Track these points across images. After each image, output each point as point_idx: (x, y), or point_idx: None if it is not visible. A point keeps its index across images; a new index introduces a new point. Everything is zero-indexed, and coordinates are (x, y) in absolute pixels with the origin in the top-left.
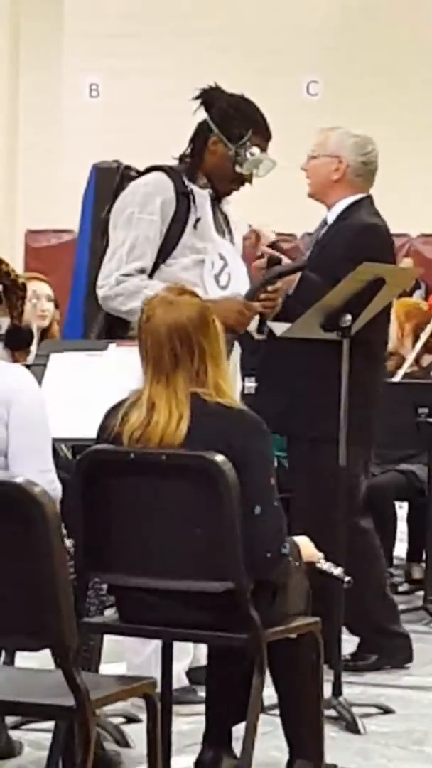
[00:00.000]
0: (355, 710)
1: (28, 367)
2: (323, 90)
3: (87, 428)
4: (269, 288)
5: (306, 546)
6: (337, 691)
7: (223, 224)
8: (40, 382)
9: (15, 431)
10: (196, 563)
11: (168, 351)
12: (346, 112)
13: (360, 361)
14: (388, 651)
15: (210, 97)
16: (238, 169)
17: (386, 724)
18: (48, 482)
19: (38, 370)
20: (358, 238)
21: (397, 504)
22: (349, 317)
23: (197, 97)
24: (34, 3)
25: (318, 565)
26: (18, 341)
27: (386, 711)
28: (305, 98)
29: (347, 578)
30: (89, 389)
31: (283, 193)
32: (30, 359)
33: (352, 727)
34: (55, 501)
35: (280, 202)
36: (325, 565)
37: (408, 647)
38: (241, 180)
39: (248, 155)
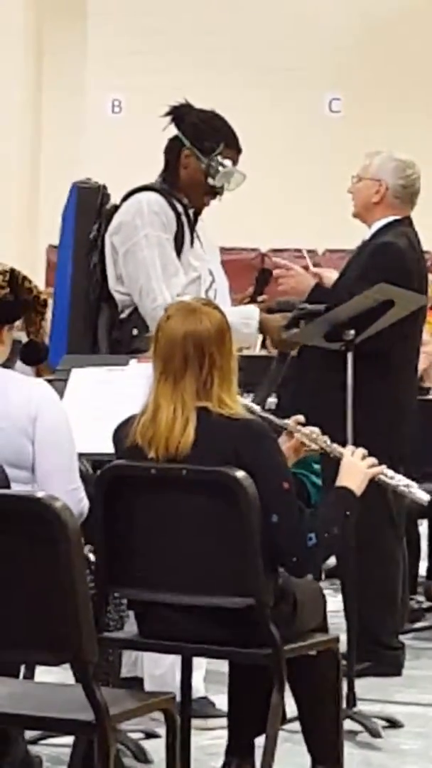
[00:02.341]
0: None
1: (49, 381)
2: (346, 107)
3: (107, 443)
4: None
5: (353, 465)
6: (351, 702)
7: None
8: (61, 397)
9: (42, 452)
10: (217, 578)
11: (180, 353)
12: (368, 129)
13: (374, 373)
14: (382, 661)
15: (180, 113)
16: (210, 181)
17: (404, 741)
18: (77, 501)
19: (59, 384)
20: (371, 257)
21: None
22: (353, 331)
23: (167, 114)
24: (57, 19)
25: (384, 479)
26: (32, 356)
27: (404, 728)
28: (328, 115)
29: (427, 497)
30: (110, 404)
31: (307, 209)
32: None
33: (374, 732)
34: (82, 516)
35: (302, 218)
36: (393, 480)
37: (400, 659)
38: (214, 193)
39: (220, 168)
